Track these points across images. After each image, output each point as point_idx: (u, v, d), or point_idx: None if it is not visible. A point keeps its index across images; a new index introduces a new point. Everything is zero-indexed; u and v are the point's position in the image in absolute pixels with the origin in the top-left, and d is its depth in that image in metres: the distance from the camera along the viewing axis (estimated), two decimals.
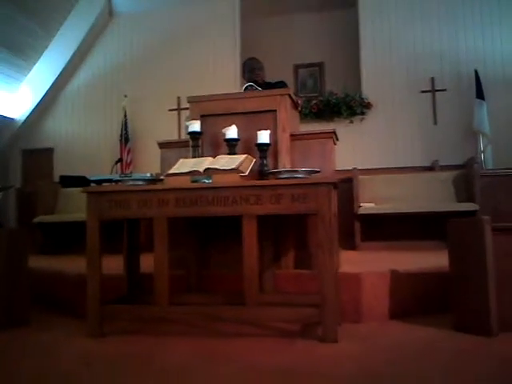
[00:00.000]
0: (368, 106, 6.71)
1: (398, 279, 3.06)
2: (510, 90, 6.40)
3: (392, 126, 6.66)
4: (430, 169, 6.24)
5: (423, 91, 6.60)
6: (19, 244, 3.17)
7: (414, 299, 3.08)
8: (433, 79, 6.59)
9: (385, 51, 6.77)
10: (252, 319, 2.76)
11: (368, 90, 6.75)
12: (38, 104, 7.68)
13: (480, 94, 6.28)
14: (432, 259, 3.61)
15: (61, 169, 7.47)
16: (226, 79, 6.87)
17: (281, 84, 3.84)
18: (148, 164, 6.62)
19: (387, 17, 6.81)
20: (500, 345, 2.43)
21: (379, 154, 6.55)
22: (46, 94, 7.66)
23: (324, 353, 2.37)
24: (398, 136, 6.62)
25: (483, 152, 6.24)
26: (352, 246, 5.02)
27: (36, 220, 5.68)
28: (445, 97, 6.55)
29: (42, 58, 7.46)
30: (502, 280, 2.60)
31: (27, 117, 7.74)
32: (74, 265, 3.80)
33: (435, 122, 6.58)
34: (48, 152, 7.80)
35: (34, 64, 7.46)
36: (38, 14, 6.79)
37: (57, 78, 7.61)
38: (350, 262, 3.58)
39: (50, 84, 7.61)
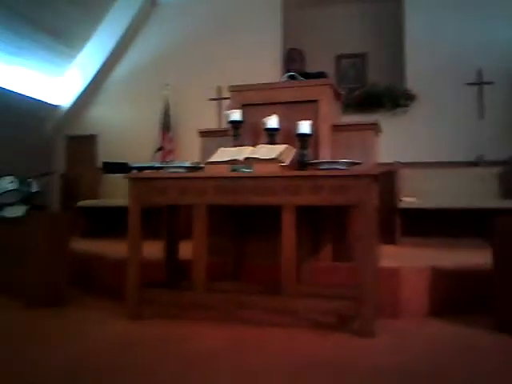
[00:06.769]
0: (412, 97, 6.54)
1: (437, 276, 2.99)
2: None
3: (436, 119, 6.45)
4: (475, 164, 6.04)
5: (469, 83, 6.38)
6: (61, 227, 3.27)
7: (453, 297, 3.00)
8: (480, 71, 6.36)
9: (430, 42, 6.54)
10: (288, 309, 2.76)
11: (412, 82, 6.56)
12: (82, 91, 7.85)
13: None
14: (473, 257, 3.51)
15: (104, 155, 7.63)
16: (268, 70, 6.81)
17: (320, 74, 3.78)
18: (189, 153, 6.64)
19: (433, 6, 6.58)
20: None
21: (422, 147, 6.37)
22: (90, 81, 7.81)
23: (359, 346, 2.34)
24: (443, 129, 6.41)
25: None
26: (392, 241, 4.91)
27: (79, 204, 5.83)
28: (492, 90, 6.31)
29: (87, 46, 7.61)
30: None
31: (72, 104, 7.93)
32: (114, 249, 3.89)
33: (481, 116, 6.36)
34: (92, 138, 7.98)
35: (79, 52, 7.62)
36: (81, 1, 6.87)
37: (101, 66, 7.76)
38: (390, 256, 3.51)
39: (95, 72, 7.76)
